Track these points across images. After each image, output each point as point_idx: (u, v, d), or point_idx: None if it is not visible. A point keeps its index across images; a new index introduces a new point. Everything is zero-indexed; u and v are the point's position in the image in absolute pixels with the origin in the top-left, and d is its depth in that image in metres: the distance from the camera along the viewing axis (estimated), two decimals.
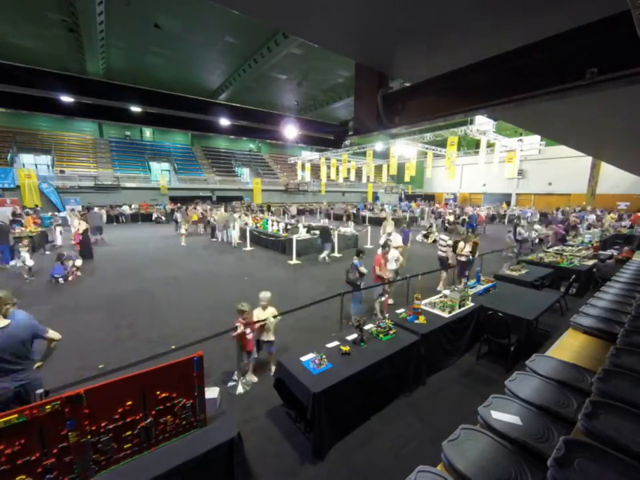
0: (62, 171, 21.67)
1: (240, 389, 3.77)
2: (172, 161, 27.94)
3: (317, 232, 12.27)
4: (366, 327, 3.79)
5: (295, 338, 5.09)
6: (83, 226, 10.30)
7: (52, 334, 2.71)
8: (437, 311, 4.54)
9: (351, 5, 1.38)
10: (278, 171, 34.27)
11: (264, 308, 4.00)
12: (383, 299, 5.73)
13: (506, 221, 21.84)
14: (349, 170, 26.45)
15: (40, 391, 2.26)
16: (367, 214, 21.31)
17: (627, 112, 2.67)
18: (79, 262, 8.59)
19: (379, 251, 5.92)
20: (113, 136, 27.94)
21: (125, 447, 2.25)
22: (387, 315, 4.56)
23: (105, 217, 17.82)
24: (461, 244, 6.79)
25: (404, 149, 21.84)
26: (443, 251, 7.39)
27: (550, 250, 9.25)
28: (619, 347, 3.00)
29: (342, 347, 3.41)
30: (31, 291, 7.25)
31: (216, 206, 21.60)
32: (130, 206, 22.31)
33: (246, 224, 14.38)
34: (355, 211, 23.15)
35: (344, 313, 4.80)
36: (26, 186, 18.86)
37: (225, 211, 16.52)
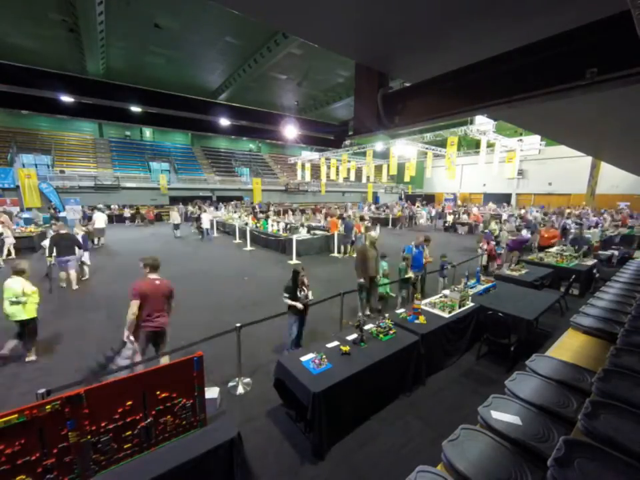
0: (62, 171, 21.64)
1: (240, 389, 3.77)
2: (172, 161, 27.91)
3: (317, 232, 12.24)
4: (366, 327, 3.79)
5: None
6: None
7: None
8: (436, 311, 4.54)
9: (351, 5, 1.38)
10: (278, 171, 34.25)
11: None
12: None
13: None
14: (348, 170, 26.38)
15: (41, 390, 2.26)
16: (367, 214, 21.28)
17: (627, 112, 2.67)
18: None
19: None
20: (113, 136, 27.91)
21: (125, 447, 2.25)
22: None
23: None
24: None
25: (404, 148, 21.79)
26: None
27: (550, 250, 9.24)
28: (618, 347, 3.00)
29: (342, 347, 3.41)
30: None
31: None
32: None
33: (246, 224, 14.39)
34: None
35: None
36: (26, 186, 18.84)
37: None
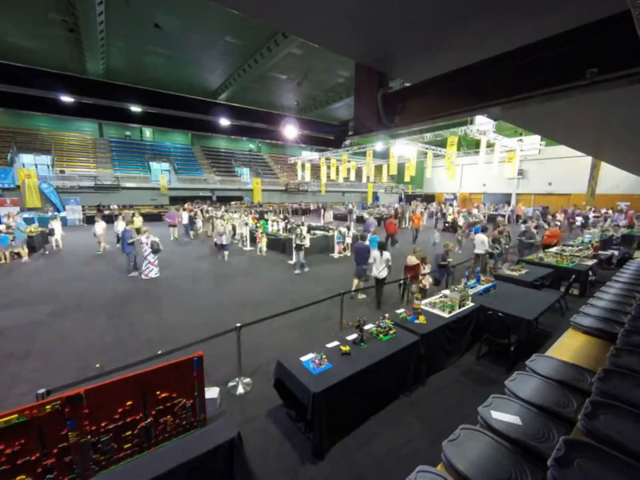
0: (62, 171, 21.67)
1: (240, 389, 3.77)
2: (172, 161, 27.93)
3: (317, 232, 12.26)
4: (366, 327, 3.79)
5: (295, 338, 5.09)
6: None
7: None
8: (436, 311, 4.54)
9: (351, 6, 1.38)
10: (278, 170, 34.26)
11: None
12: None
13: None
14: (348, 170, 26.40)
15: (41, 390, 2.26)
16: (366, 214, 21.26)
17: (627, 112, 2.67)
18: None
19: None
20: (113, 136, 27.94)
21: (125, 447, 2.26)
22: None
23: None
24: None
25: (404, 148, 21.80)
26: None
27: (550, 250, 9.24)
28: (618, 347, 3.00)
29: (342, 347, 3.41)
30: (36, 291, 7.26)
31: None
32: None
33: (246, 224, 14.38)
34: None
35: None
36: (26, 186, 18.85)
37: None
